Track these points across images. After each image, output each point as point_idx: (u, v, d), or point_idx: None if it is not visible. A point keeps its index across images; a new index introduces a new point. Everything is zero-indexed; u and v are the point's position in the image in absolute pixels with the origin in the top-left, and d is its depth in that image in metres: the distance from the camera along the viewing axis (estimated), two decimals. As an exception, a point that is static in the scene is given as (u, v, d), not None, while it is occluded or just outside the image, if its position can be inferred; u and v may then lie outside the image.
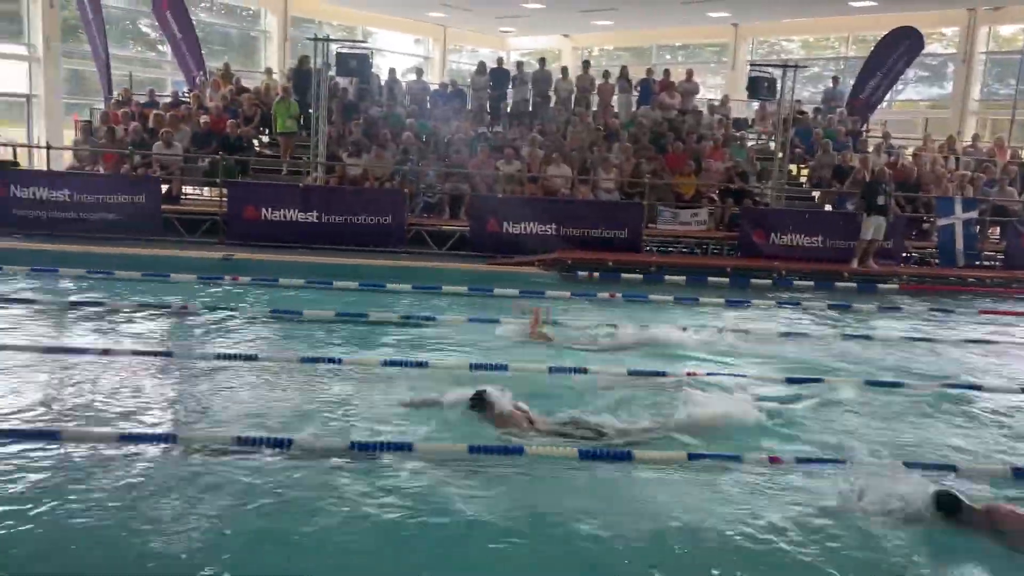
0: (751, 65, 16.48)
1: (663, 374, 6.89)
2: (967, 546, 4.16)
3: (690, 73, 18.59)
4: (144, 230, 12.66)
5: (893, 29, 18.85)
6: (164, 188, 13.78)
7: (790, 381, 6.88)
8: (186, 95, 17.35)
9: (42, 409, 5.55)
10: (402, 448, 4.99)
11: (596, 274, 11.82)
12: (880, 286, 12.19)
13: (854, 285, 12.19)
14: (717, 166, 14.77)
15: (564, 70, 18.51)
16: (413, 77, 18.75)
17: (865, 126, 18.53)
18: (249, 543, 3.96)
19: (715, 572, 3.91)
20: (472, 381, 6.00)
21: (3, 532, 3.94)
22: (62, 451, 4.82)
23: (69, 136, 18.27)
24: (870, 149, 16.56)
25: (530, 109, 17.87)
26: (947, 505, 4.26)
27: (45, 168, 14.46)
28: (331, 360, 6.87)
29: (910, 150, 17.56)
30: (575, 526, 4.24)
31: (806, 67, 17.50)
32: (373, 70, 17.17)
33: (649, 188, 13.77)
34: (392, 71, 18.21)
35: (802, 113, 17.59)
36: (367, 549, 3.99)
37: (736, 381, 6.73)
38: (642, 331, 8.19)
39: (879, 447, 5.53)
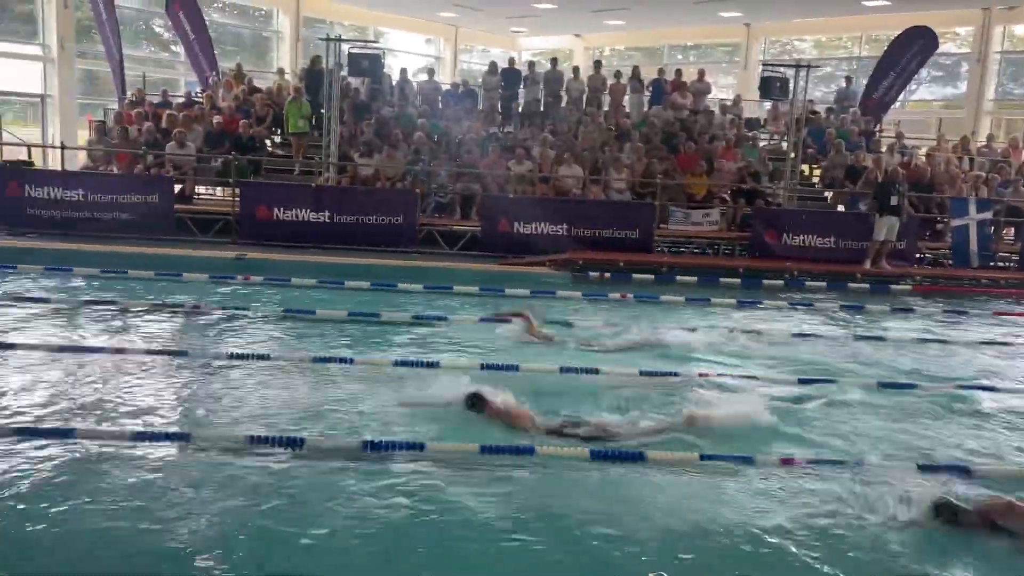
0: (763, 65, 16.42)
1: (675, 374, 6.87)
2: (978, 548, 4.15)
3: (702, 73, 18.55)
4: (157, 230, 12.73)
5: (907, 28, 18.74)
6: (177, 188, 13.85)
7: (802, 382, 6.85)
8: (199, 95, 17.43)
9: (56, 407, 5.58)
10: (413, 448, 4.99)
11: (607, 274, 11.80)
12: (893, 287, 12.12)
13: (867, 286, 12.13)
14: (729, 166, 14.73)
15: (576, 70, 18.51)
16: (425, 77, 18.77)
17: (878, 126, 18.43)
18: (258, 542, 3.97)
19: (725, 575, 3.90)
20: (482, 381, 6.01)
21: (17, 528, 3.98)
22: (76, 449, 4.85)
23: (83, 136, 18.40)
24: (883, 149, 16.47)
25: (542, 109, 17.86)
26: (945, 514, 4.28)
27: (59, 168, 14.55)
28: (343, 360, 6.88)
29: (924, 150, 17.45)
30: (584, 527, 4.24)
31: (818, 67, 17.41)
32: (385, 70, 17.20)
33: (661, 188, 13.75)
34: (403, 71, 18.24)
35: (814, 113, 17.52)
36: (374, 549, 3.99)
37: (748, 382, 6.72)
38: (651, 332, 8.18)
39: (892, 449, 5.52)
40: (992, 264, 13.81)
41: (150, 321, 8.17)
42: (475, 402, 5.54)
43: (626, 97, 18.00)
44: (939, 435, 5.93)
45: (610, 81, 18.00)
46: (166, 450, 4.91)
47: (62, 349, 6.91)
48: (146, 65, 21.20)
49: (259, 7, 25.07)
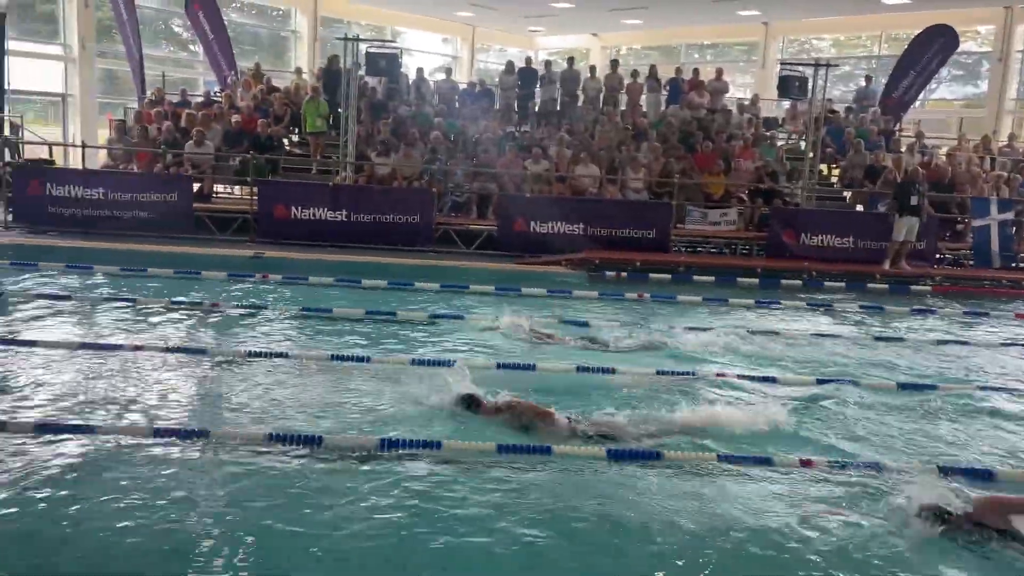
0: (782, 64, 16.37)
1: (692, 374, 6.85)
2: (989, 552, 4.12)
3: (719, 72, 18.47)
4: (176, 228, 12.82)
5: (927, 27, 18.57)
6: (196, 187, 13.94)
7: (821, 382, 6.81)
8: (218, 95, 17.54)
9: (76, 403, 5.63)
10: (430, 446, 5.00)
11: (624, 274, 11.78)
12: (912, 288, 12.02)
13: (886, 287, 12.03)
14: (747, 166, 14.66)
15: (592, 69, 18.48)
16: (442, 76, 18.80)
17: (898, 125, 18.30)
18: (266, 540, 3.98)
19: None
20: (496, 381, 6.03)
21: (34, 523, 4.02)
22: (91, 445, 4.89)
23: (103, 135, 18.56)
24: (903, 149, 16.34)
25: (558, 108, 17.85)
26: (933, 518, 4.25)
27: (80, 167, 14.69)
28: (360, 359, 6.90)
29: (944, 150, 17.30)
30: (595, 527, 4.24)
31: (837, 66, 17.29)
32: (402, 70, 17.25)
33: (678, 188, 13.70)
34: (420, 70, 18.28)
35: (833, 112, 17.40)
36: (382, 547, 3.98)
37: (765, 382, 6.68)
38: (662, 332, 8.14)
39: (912, 451, 5.47)
40: (1013, 265, 13.66)
41: (168, 319, 8.23)
42: (470, 403, 5.57)
43: (643, 96, 17.96)
44: (959, 437, 5.88)
45: (627, 80, 17.96)
46: (183, 447, 4.93)
47: (81, 346, 6.97)
48: (165, 65, 21.37)
49: (277, 7, 25.20)
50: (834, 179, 16.60)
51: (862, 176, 15.03)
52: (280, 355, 6.92)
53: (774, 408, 5.98)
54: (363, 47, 14.24)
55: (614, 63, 18.91)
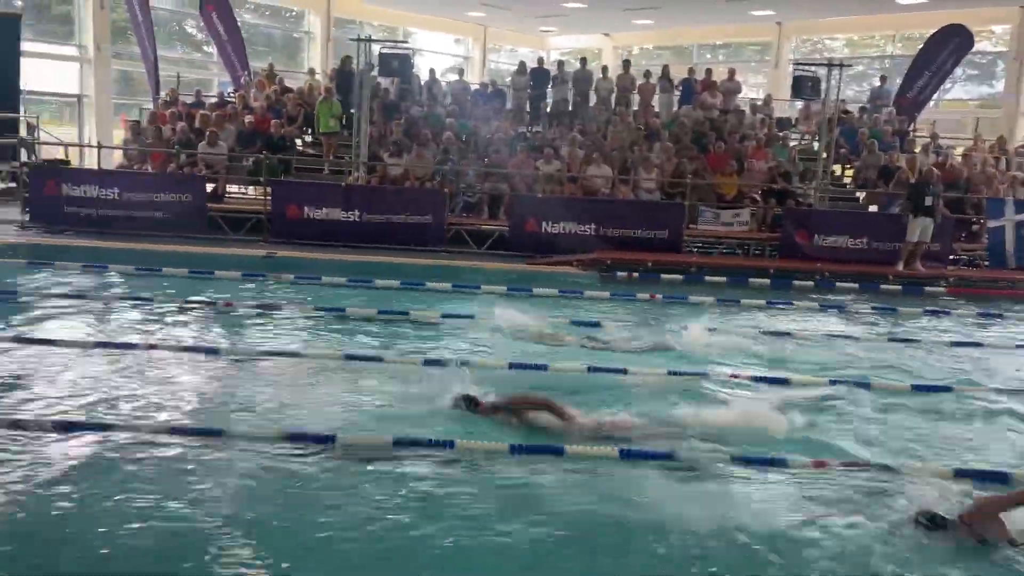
0: (795, 64, 16.31)
1: (704, 375, 6.84)
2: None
3: (732, 72, 18.41)
4: (190, 228, 12.89)
5: (942, 27, 18.46)
6: (209, 187, 14.02)
7: (834, 383, 6.78)
8: (231, 95, 17.64)
9: (88, 402, 5.68)
10: (443, 445, 5.02)
11: (635, 275, 11.76)
12: (927, 289, 11.94)
13: (900, 288, 11.97)
14: (760, 166, 14.62)
15: (604, 69, 18.47)
16: (454, 77, 18.83)
17: (912, 126, 18.19)
18: (276, 540, 4.01)
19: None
20: (508, 380, 6.04)
21: (49, 519, 4.07)
22: (109, 442, 4.94)
23: (118, 136, 18.71)
24: (917, 149, 16.25)
25: (570, 109, 17.85)
26: (928, 523, 4.25)
27: (95, 167, 14.78)
28: (372, 359, 6.93)
29: (959, 150, 17.19)
30: (603, 527, 4.25)
31: (850, 66, 17.21)
32: (414, 70, 17.28)
33: (690, 188, 13.66)
34: (432, 71, 18.32)
35: (847, 112, 17.32)
36: (391, 547, 4.01)
37: (777, 384, 6.66)
38: (671, 332, 8.13)
39: (926, 453, 5.45)
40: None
41: (183, 318, 8.28)
42: (469, 402, 5.62)
43: (655, 96, 17.94)
44: (974, 439, 5.85)
45: (639, 80, 17.94)
46: (191, 446, 4.98)
47: (96, 345, 7.03)
48: (180, 65, 21.49)
49: (290, 8, 25.32)
50: (847, 180, 16.52)
51: (876, 177, 14.95)
52: (293, 354, 6.96)
53: (785, 409, 5.97)
54: (376, 48, 14.29)
55: (626, 63, 18.89)
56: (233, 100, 16.87)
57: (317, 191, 13.44)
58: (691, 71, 18.62)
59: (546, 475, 4.82)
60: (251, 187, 15.51)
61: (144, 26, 17.43)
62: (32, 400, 5.65)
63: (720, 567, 3.95)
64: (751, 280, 11.70)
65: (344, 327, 8.22)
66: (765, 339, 8.34)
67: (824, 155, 14.65)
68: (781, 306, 10.26)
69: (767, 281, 11.74)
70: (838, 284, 11.84)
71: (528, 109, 18.06)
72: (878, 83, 19.35)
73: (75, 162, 15.96)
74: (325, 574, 3.81)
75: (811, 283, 11.81)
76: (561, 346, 7.76)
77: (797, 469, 5.00)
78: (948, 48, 18.27)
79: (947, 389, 6.88)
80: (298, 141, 16.20)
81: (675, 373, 6.88)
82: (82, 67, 20.53)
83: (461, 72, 19.81)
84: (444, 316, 8.69)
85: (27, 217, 13.17)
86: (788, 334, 8.67)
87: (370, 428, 5.36)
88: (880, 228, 13.27)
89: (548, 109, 18.04)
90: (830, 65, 14.27)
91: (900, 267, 12.53)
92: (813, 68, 14.72)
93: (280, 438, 5.05)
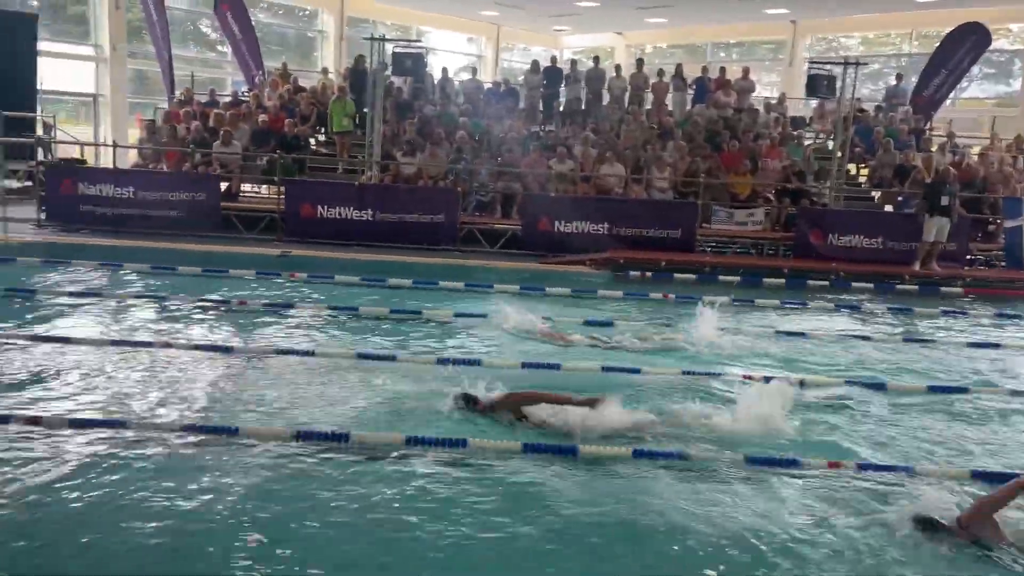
0: (810, 63, 16.22)
1: (718, 375, 6.81)
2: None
3: (746, 71, 18.32)
4: (204, 227, 12.95)
5: (959, 25, 18.32)
6: (224, 186, 14.08)
7: (850, 384, 6.75)
8: (245, 94, 17.71)
9: (105, 399, 5.72)
10: (456, 444, 5.02)
11: (648, 274, 11.73)
12: (943, 289, 11.85)
13: (915, 288, 11.88)
14: (774, 165, 14.54)
15: (618, 68, 18.42)
16: (467, 76, 18.83)
17: (929, 124, 18.05)
18: (283, 538, 4.00)
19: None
20: (523, 379, 6.04)
21: (63, 515, 4.09)
22: (126, 439, 4.97)
23: (133, 135, 18.83)
24: (934, 148, 16.12)
25: (583, 108, 17.81)
26: (926, 526, 4.23)
27: (111, 166, 14.89)
28: (386, 357, 6.94)
29: (976, 149, 17.05)
30: (612, 526, 4.24)
31: (866, 64, 17.08)
32: (427, 69, 17.30)
33: (704, 187, 13.61)
34: (444, 70, 18.33)
35: (862, 111, 17.21)
36: (397, 546, 4.01)
37: (792, 384, 6.61)
38: (683, 332, 8.10)
39: (943, 454, 5.41)
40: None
41: (197, 317, 8.32)
42: (468, 401, 5.65)
43: (669, 95, 17.87)
44: (990, 441, 5.79)
45: (652, 79, 17.88)
46: (198, 444, 5.00)
47: (113, 343, 7.07)
48: (194, 65, 21.62)
49: (304, 7, 25.40)
50: (862, 179, 16.42)
51: (891, 176, 14.85)
52: (306, 353, 6.97)
53: (798, 410, 5.94)
54: (389, 47, 14.31)
55: (639, 62, 18.83)
56: (247, 99, 16.94)
57: (330, 190, 13.48)
58: (705, 70, 18.54)
59: (556, 474, 4.81)
60: (265, 186, 15.57)
61: (159, 26, 17.54)
62: (46, 397, 5.69)
63: (723, 568, 3.94)
64: (765, 280, 11.64)
65: (357, 326, 8.24)
66: (779, 339, 8.30)
67: (839, 154, 14.56)
68: (795, 306, 10.20)
69: (781, 281, 11.69)
70: (853, 284, 11.76)
71: (541, 108, 18.04)
72: (894, 81, 19.22)
73: (91, 161, 16.06)
74: (331, 572, 3.81)
75: (826, 283, 11.75)
76: (569, 346, 7.75)
77: (810, 470, 4.96)
78: (965, 46, 18.13)
79: (963, 390, 6.83)
80: (312, 140, 16.24)
81: (688, 373, 6.86)
82: (98, 67, 20.67)
83: (474, 71, 19.82)
84: (457, 315, 8.69)
85: (43, 216, 13.27)
86: (802, 334, 8.62)
87: (383, 426, 5.36)
88: (896, 228, 13.18)
89: (561, 108, 18.01)
90: (845, 63, 14.18)
91: (916, 267, 12.44)
92: (828, 66, 14.63)
93: (294, 436, 5.05)
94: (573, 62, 19.42)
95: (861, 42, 26.08)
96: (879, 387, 6.73)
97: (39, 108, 17.49)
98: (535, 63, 18.51)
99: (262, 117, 15.32)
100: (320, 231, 12.98)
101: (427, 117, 15.83)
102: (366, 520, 4.20)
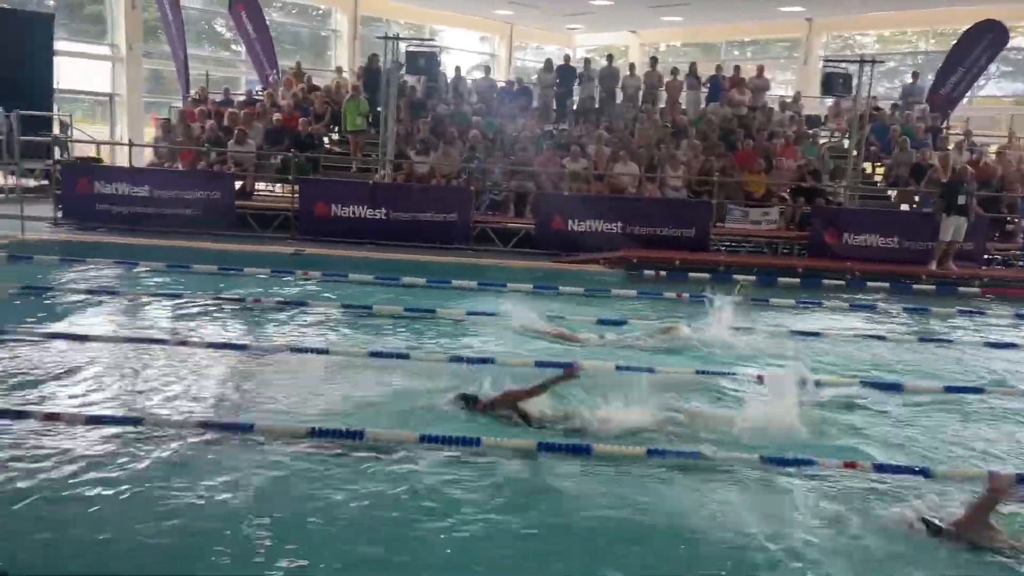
0: (825, 61, 16.12)
1: (732, 375, 6.78)
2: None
3: (761, 69, 18.22)
4: (219, 225, 13.02)
5: (976, 22, 18.16)
6: (238, 184, 14.14)
7: (865, 385, 6.70)
8: (260, 93, 17.78)
9: (120, 396, 5.76)
10: (469, 443, 5.02)
11: (663, 273, 11.68)
12: (960, 289, 11.75)
13: (932, 288, 11.78)
14: (789, 164, 14.46)
15: (632, 67, 18.37)
16: (480, 75, 18.82)
17: (945, 123, 17.90)
18: (297, 535, 4.02)
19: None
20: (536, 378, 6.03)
21: (80, 511, 4.12)
22: (142, 436, 5.00)
23: (149, 133, 18.93)
24: (951, 147, 15.99)
25: (597, 106, 17.77)
26: (929, 529, 4.22)
27: (127, 165, 14.97)
28: (399, 355, 6.95)
29: (993, 148, 16.89)
30: (633, 528, 4.22)
31: (882, 62, 16.96)
32: (440, 68, 17.30)
33: (718, 186, 13.56)
34: (458, 69, 18.33)
35: (878, 109, 17.09)
36: (400, 545, 4.01)
37: (808, 385, 6.57)
38: (694, 332, 8.06)
39: (961, 455, 5.37)
40: (1066, 266, 13.30)
41: (211, 314, 8.36)
42: (467, 400, 5.68)
43: (683, 94, 17.81)
44: (1008, 442, 5.73)
45: (667, 78, 17.81)
46: (229, 439, 5.02)
47: (129, 340, 7.11)
48: (209, 64, 21.72)
49: (317, 6, 25.47)
50: (878, 178, 16.31)
51: (908, 175, 14.74)
52: (320, 351, 6.99)
53: (816, 410, 5.91)
54: (403, 46, 14.32)
55: (653, 60, 18.77)
56: (261, 98, 17.00)
57: (344, 189, 13.51)
58: (719, 68, 18.47)
59: (566, 473, 4.80)
60: (279, 185, 15.63)
61: (174, 25, 17.63)
62: (62, 394, 5.74)
63: (726, 568, 3.92)
64: (780, 279, 11.58)
65: (370, 324, 8.25)
66: (793, 338, 8.25)
67: (854, 153, 14.47)
68: (810, 305, 10.14)
69: (796, 280, 11.62)
70: (869, 284, 11.68)
71: (554, 107, 18.02)
72: (910, 80, 19.08)
73: (107, 160, 16.17)
74: (340, 571, 3.82)
75: (841, 282, 11.67)
76: (576, 344, 7.73)
77: (826, 470, 4.93)
78: (982, 44, 17.97)
79: (980, 391, 6.77)
80: (325, 139, 16.28)
81: (703, 372, 6.83)
82: (114, 66, 20.81)
83: (487, 70, 19.80)
84: (469, 314, 8.68)
85: (60, 214, 13.37)
86: (817, 334, 8.56)
87: (396, 424, 5.36)
88: (912, 227, 13.08)
89: (575, 107, 17.98)
90: (861, 61, 14.09)
91: (933, 267, 12.34)
92: (844, 64, 14.53)
93: (309, 434, 5.07)
94: (587, 61, 19.39)
95: (877, 40, 25.90)
96: (895, 387, 6.67)
97: (56, 107, 17.61)
98: (548, 62, 18.48)
99: (276, 116, 15.37)
100: (334, 230, 13.01)
101: (440, 116, 15.84)
102: (376, 518, 4.21)
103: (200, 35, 23.29)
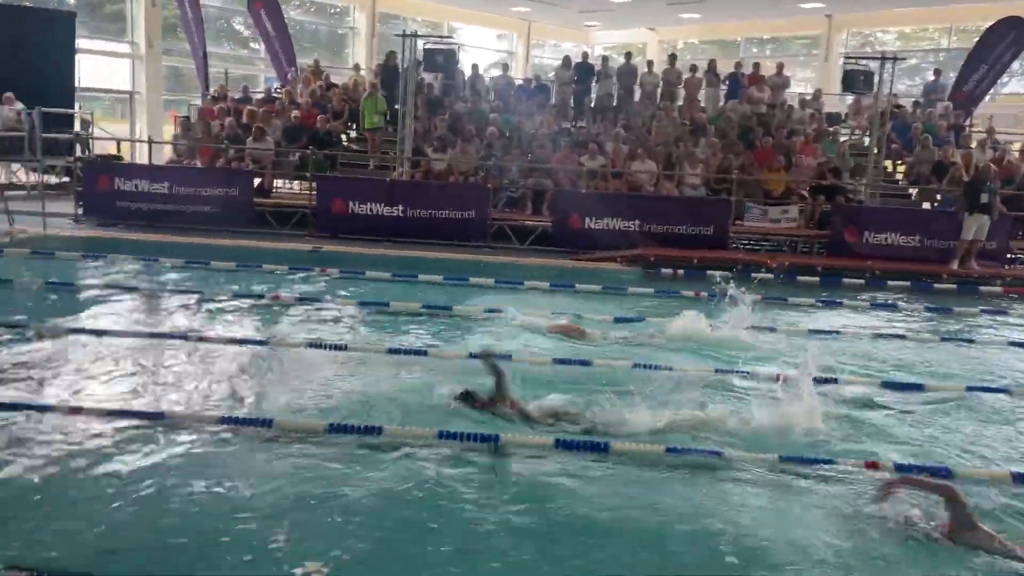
0: (846, 58, 15.96)
1: (750, 374, 6.73)
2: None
3: (780, 67, 18.09)
4: (237, 222, 13.10)
5: (999, 19, 17.94)
6: (256, 182, 14.21)
7: (886, 385, 6.63)
8: (278, 91, 17.85)
9: (140, 391, 5.79)
10: (488, 440, 5.02)
11: (680, 271, 11.63)
12: (982, 288, 11.61)
13: (954, 287, 11.65)
14: (808, 162, 14.34)
15: (650, 64, 18.29)
16: (498, 72, 18.81)
17: (968, 120, 17.70)
18: (319, 532, 4.02)
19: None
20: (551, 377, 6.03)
21: (99, 506, 4.13)
22: (160, 431, 5.02)
23: (168, 131, 19.07)
24: (973, 144, 15.81)
25: (614, 104, 17.68)
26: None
27: (147, 162, 15.09)
28: (416, 352, 6.95)
29: (1017, 146, 16.70)
30: (644, 528, 4.21)
31: (904, 59, 16.79)
32: (458, 66, 17.30)
33: (737, 184, 13.47)
34: (475, 66, 18.32)
35: (899, 107, 16.92)
36: (404, 544, 3.99)
37: (827, 384, 6.51)
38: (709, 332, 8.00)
39: (984, 456, 5.30)
40: (1090, 265, 13.11)
41: (230, 310, 8.41)
42: (467, 398, 5.68)
43: (701, 91, 17.70)
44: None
45: (685, 75, 17.72)
46: (243, 435, 5.04)
47: (149, 336, 7.17)
48: (228, 62, 21.86)
49: (335, 4, 25.56)
50: (899, 176, 16.15)
51: (929, 173, 14.59)
52: (339, 347, 7.00)
53: (835, 410, 5.86)
54: (420, 43, 14.34)
55: (672, 57, 18.68)
56: (280, 96, 17.08)
57: (362, 186, 13.54)
58: (738, 65, 18.33)
59: (583, 469, 4.79)
60: (297, 182, 15.70)
61: (194, 23, 17.75)
62: (81, 389, 5.78)
63: (726, 568, 3.89)
64: (799, 278, 11.49)
65: (388, 321, 8.26)
66: (813, 338, 8.17)
67: (875, 150, 14.34)
68: (830, 304, 10.05)
69: (816, 279, 11.52)
70: (889, 283, 11.56)
71: (572, 104, 17.96)
72: (931, 77, 18.89)
73: (127, 157, 16.29)
74: (354, 566, 3.82)
75: (861, 281, 11.56)
76: (585, 340, 7.71)
77: (847, 470, 4.88)
78: (1006, 41, 17.77)
79: (1003, 391, 6.68)
80: (343, 136, 16.33)
81: (721, 371, 6.79)
82: (134, 64, 20.97)
83: (505, 67, 19.79)
84: (487, 311, 8.67)
85: (81, 211, 13.49)
86: (836, 332, 8.49)
87: (414, 420, 5.36)
88: (933, 225, 12.96)
89: (592, 104, 17.92)
90: (883, 58, 13.96)
91: (955, 266, 12.21)
92: (864, 61, 14.40)
93: (328, 430, 5.08)
94: (604, 58, 19.31)
95: (898, 37, 25.64)
96: (916, 387, 6.60)
97: (77, 105, 17.76)
98: (566, 59, 18.43)
99: (294, 113, 15.43)
100: (351, 227, 13.04)
101: (458, 113, 15.84)
102: (392, 515, 4.20)
103: (219, 33, 23.43)
